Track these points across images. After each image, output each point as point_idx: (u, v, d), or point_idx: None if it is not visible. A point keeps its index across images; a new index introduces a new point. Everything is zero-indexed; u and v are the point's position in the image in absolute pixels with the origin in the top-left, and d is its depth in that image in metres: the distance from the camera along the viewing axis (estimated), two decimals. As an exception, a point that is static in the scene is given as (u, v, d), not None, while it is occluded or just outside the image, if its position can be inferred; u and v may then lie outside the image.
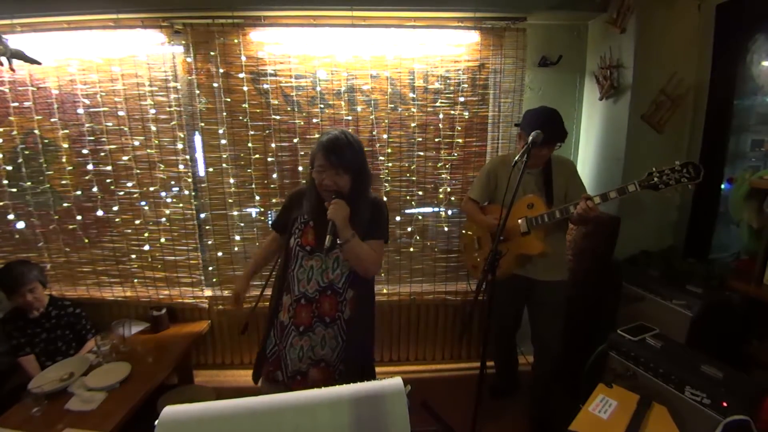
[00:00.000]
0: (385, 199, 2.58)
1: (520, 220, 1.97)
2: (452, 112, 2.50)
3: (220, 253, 2.61)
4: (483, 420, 1.81)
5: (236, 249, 2.61)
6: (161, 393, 2.17)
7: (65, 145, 2.50)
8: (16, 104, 2.45)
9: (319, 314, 1.48)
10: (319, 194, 1.47)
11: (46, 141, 2.51)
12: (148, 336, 2.48)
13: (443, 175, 2.59)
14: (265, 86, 2.40)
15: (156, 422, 0.61)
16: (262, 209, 2.57)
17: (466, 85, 2.47)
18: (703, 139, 2.21)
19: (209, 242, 2.59)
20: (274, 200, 2.56)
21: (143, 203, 2.57)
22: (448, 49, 2.43)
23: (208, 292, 2.69)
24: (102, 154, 2.50)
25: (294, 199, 1.61)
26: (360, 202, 1.47)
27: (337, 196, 1.41)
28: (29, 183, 2.54)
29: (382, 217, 1.55)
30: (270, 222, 2.58)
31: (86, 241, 2.64)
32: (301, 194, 1.58)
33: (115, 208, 2.57)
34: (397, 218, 2.63)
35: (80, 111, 2.45)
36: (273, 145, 2.47)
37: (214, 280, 2.65)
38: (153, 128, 2.46)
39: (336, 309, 1.49)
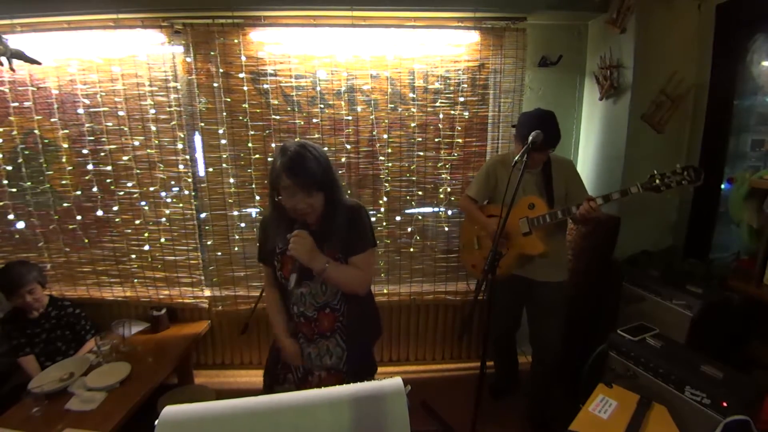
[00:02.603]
0: (385, 199, 2.58)
1: (521, 221, 1.98)
2: (452, 112, 2.50)
3: (219, 253, 2.61)
4: (483, 420, 1.81)
5: (236, 249, 2.61)
6: (161, 393, 2.17)
7: (65, 145, 2.50)
8: (16, 104, 2.45)
9: (319, 331, 1.48)
10: (289, 220, 1.34)
11: (46, 141, 2.51)
12: (148, 336, 2.48)
13: (443, 175, 2.59)
14: (265, 86, 2.40)
15: (156, 422, 0.61)
16: (262, 209, 2.57)
17: (466, 85, 2.47)
18: (703, 139, 2.21)
19: (209, 242, 2.59)
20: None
21: (143, 203, 2.57)
22: (448, 49, 2.43)
23: (207, 292, 2.69)
24: (102, 154, 2.50)
25: (266, 227, 1.50)
26: (336, 214, 1.36)
27: (300, 225, 1.31)
28: (29, 183, 2.54)
29: (362, 223, 1.42)
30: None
31: (86, 241, 2.63)
32: (271, 221, 1.47)
33: (115, 208, 2.57)
34: (397, 218, 2.63)
35: (80, 111, 2.45)
36: (273, 145, 2.47)
37: (214, 280, 2.65)
38: (153, 128, 2.46)
39: (334, 323, 1.48)
